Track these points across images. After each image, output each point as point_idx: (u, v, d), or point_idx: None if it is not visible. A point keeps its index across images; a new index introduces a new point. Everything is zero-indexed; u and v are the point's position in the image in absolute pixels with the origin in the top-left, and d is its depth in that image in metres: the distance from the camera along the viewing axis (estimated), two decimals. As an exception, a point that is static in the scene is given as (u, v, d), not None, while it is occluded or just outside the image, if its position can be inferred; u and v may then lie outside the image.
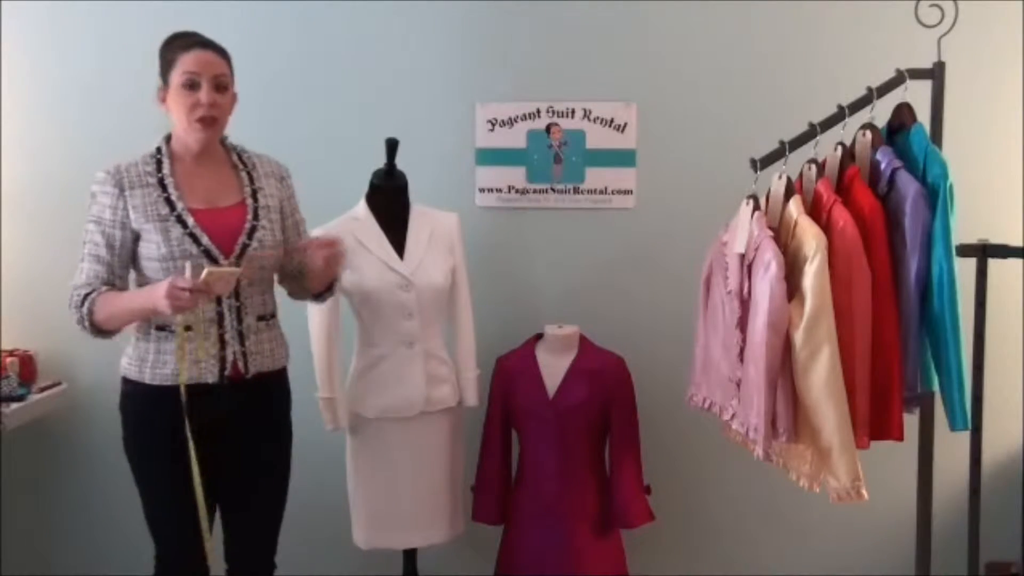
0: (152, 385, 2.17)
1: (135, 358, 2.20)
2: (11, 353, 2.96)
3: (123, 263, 2.17)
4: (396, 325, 2.57)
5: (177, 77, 2.14)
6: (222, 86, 2.18)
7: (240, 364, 2.21)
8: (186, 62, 2.15)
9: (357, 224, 2.62)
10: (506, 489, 2.73)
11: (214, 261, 2.15)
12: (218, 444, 2.20)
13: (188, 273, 2.04)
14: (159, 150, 2.21)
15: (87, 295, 2.10)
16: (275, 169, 2.35)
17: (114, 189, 2.14)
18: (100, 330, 2.13)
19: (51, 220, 3.04)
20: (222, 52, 2.21)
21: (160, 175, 2.18)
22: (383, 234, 2.61)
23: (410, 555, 2.80)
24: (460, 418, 2.73)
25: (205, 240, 2.15)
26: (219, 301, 2.18)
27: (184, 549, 2.21)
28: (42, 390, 2.95)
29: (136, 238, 2.16)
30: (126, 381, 2.23)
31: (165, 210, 2.14)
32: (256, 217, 2.23)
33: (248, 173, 2.28)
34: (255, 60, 2.99)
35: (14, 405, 2.80)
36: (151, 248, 2.14)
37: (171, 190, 2.16)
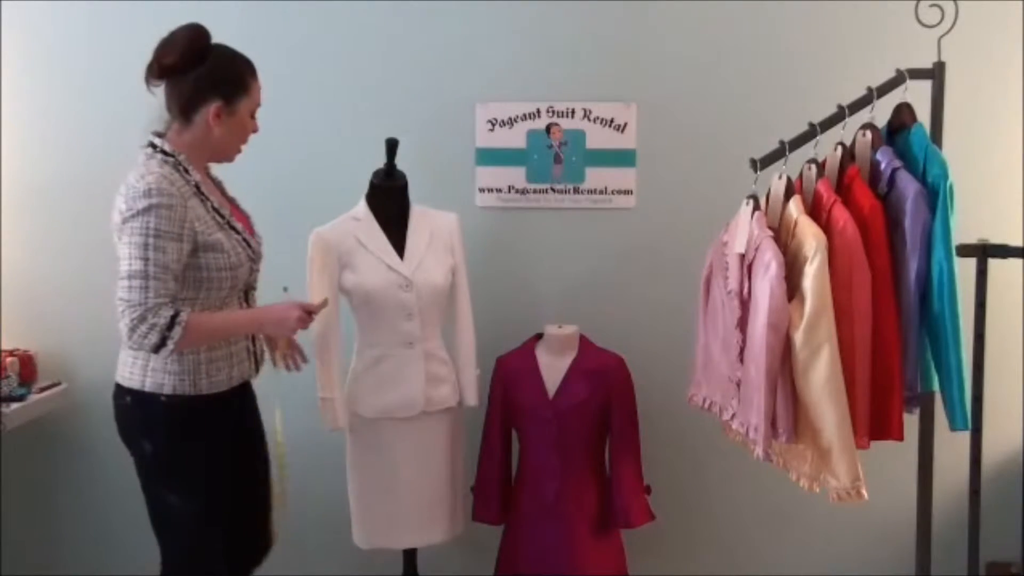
0: (209, 394, 2.14)
1: (184, 372, 2.09)
2: (11, 353, 2.95)
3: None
4: (396, 325, 2.57)
5: (251, 105, 2.16)
6: None
7: (259, 357, 2.32)
8: (258, 92, 2.17)
9: (357, 224, 2.62)
10: (506, 489, 2.73)
11: (256, 263, 2.24)
12: (246, 436, 2.31)
13: (288, 297, 2.17)
14: (172, 155, 2.08)
15: (174, 317, 1.96)
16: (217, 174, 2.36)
17: (180, 201, 2.01)
18: (172, 351, 2.01)
19: (51, 220, 3.04)
20: None
21: (194, 183, 2.10)
22: (383, 234, 2.61)
23: (410, 555, 2.81)
24: (460, 418, 2.73)
25: (253, 243, 2.23)
26: (247, 296, 2.25)
27: (215, 551, 2.22)
28: (42, 390, 2.94)
29: (193, 250, 2.05)
30: (172, 397, 2.10)
31: (219, 218, 2.13)
32: (248, 213, 2.33)
33: (214, 178, 2.33)
34: (255, 60, 2.99)
35: (14, 405, 2.79)
36: (220, 259, 2.08)
37: (211, 198, 2.13)
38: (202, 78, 2.08)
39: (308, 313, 2.06)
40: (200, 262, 2.06)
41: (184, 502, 2.16)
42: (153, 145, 2.10)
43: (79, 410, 3.08)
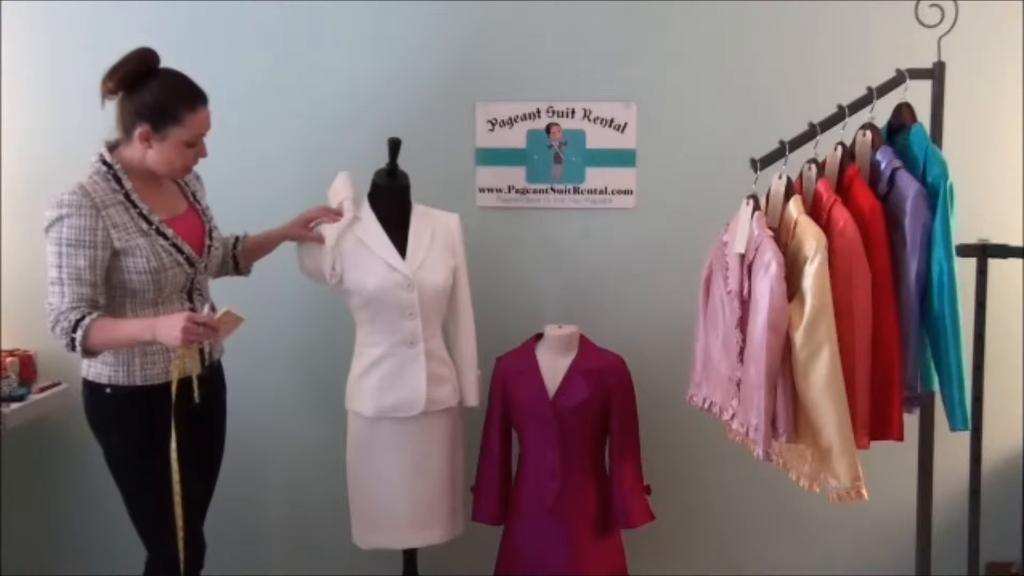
0: (144, 386, 2.25)
1: (118, 364, 2.24)
2: (11, 353, 2.95)
3: (104, 281, 2.19)
4: (398, 325, 2.57)
5: (184, 136, 2.21)
6: None
7: (209, 355, 2.39)
8: (196, 125, 2.23)
9: (359, 224, 2.62)
10: (506, 489, 2.73)
11: (193, 266, 2.30)
12: (194, 430, 2.32)
13: (205, 310, 2.21)
14: (109, 165, 2.22)
15: (78, 321, 2.11)
16: (193, 172, 2.45)
17: (91, 211, 2.14)
18: (89, 352, 2.16)
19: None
20: None
21: (124, 191, 2.21)
22: (385, 234, 2.61)
23: (410, 555, 2.80)
24: (460, 418, 2.73)
25: (187, 249, 2.29)
26: (190, 297, 2.34)
27: (184, 539, 2.25)
28: (42, 390, 2.94)
29: (115, 255, 2.18)
30: (109, 387, 2.25)
31: (145, 225, 2.22)
32: (208, 219, 2.42)
33: (181, 180, 2.40)
34: (255, 61, 3.00)
35: (14, 405, 2.79)
36: (139, 262, 2.20)
37: (141, 205, 2.23)
38: (137, 101, 2.20)
39: (199, 325, 2.09)
40: (121, 265, 2.19)
41: (142, 492, 2.29)
42: (101, 154, 2.24)
43: (79, 410, 3.07)
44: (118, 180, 2.21)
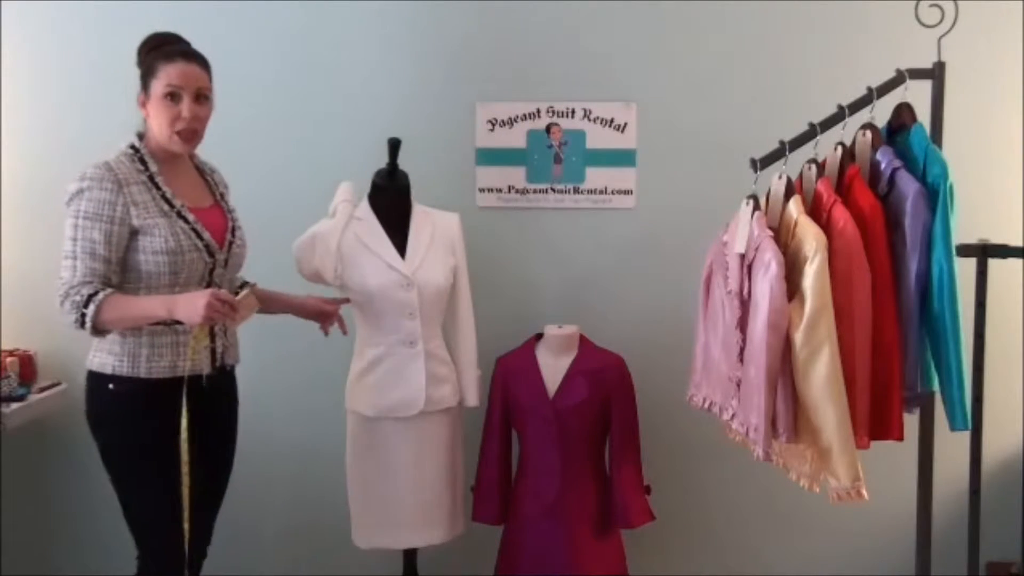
0: (149, 379, 2.19)
1: (124, 354, 2.19)
2: (11, 353, 2.95)
3: (119, 260, 2.15)
4: (397, 324, 2.58)
5: (159, 88, 2.19)
6: (203, 97, 2.23)
7: (221, 356, 2.32)
8: (169, 74, 2.19)
9: (359, 224, 2.62)
10: (506, 489, 2.73)
11: (212, 256, 2.25)
12: (201, 433, 2.25)
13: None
14: (136, 149, 2.22)
15: (91, 295, 2.06)
16: (223, 179, 2.45)
17: (113, 186, 2.12)
18: (100, 330, 2.11)
19: (51, 220, 3.00)
20: (204, 63, 2.26)
21: (149, 173, 2.21)
22: (385, 234, 2.61)
23: (410, 555, 2.81)
24: (460, 418, 2.73)
25: (206, 236, 2.24)
26: None
27: (178, 543, 2.22)
28: (42, 390, 2.94)
29: (133, 234, 2.15)
30: (114, 379, 2.20)
31: (166, 206, 2.20)
32: (233, 218, 2.37)
33: (210, 178, 2.39)
34: (256, 61, 3.00)
35: (14, 405, 2.79)
36: (157, 242, 2.15)
37: (164, 188, 2.21)
38: (140, 72, 2.24)
39: (223, 302, 2.05)
40: (137, 245, 2.16)
41: (142, 495, 2.24)
42: (132, 141, 2.25)
43: (79, 410, 3.07)
44: (144, 163, 2.21)
